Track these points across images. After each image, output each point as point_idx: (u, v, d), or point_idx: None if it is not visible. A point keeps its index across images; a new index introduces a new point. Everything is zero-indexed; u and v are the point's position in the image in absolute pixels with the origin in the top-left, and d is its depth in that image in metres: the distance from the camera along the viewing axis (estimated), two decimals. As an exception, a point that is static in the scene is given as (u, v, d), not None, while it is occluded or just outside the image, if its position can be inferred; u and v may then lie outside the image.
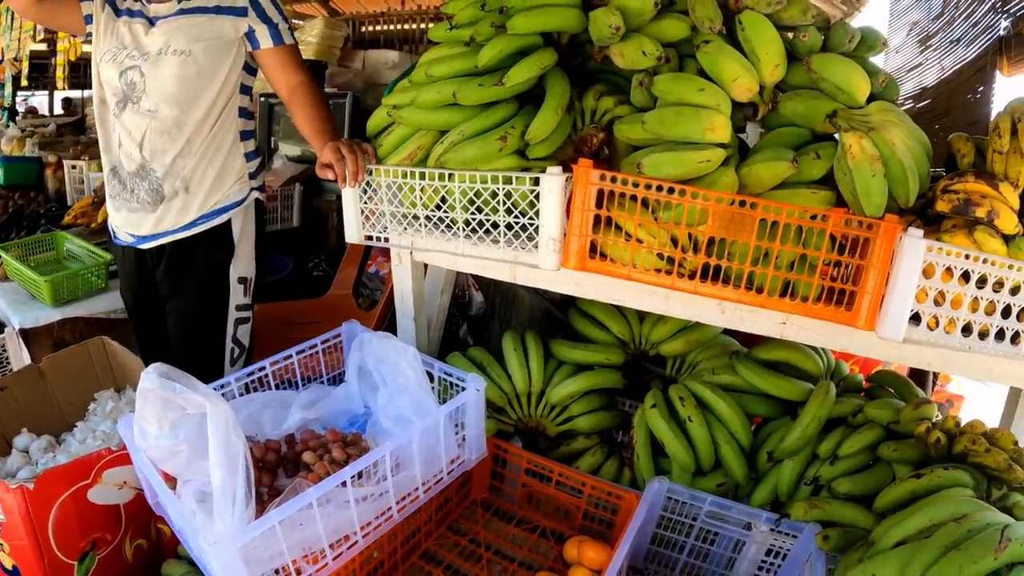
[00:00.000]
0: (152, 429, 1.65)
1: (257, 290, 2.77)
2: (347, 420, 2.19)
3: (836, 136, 1.81)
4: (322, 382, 2.36)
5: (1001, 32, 3.89)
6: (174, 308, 2.67)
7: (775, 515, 2.05)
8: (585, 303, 2.58)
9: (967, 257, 1.66)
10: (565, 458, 2.46)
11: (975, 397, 4.67)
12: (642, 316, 2.54)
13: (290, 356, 2.24)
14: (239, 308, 2.67)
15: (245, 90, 2.57)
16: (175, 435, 1.64)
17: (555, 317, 2.62)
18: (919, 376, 3.44)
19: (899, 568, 1.55)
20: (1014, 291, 1.71)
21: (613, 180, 1.77)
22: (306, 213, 4.22)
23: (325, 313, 3.29)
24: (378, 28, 6.32)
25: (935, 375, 4.34)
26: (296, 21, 6.41)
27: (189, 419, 1.64)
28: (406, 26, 6.19)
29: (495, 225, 1.99)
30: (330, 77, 4.94)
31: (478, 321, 3.20)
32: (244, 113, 2.59)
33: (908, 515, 1.67)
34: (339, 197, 2.24)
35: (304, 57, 4.88)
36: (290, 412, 2.12)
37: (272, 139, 4.64)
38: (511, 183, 1.91)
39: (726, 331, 2.54)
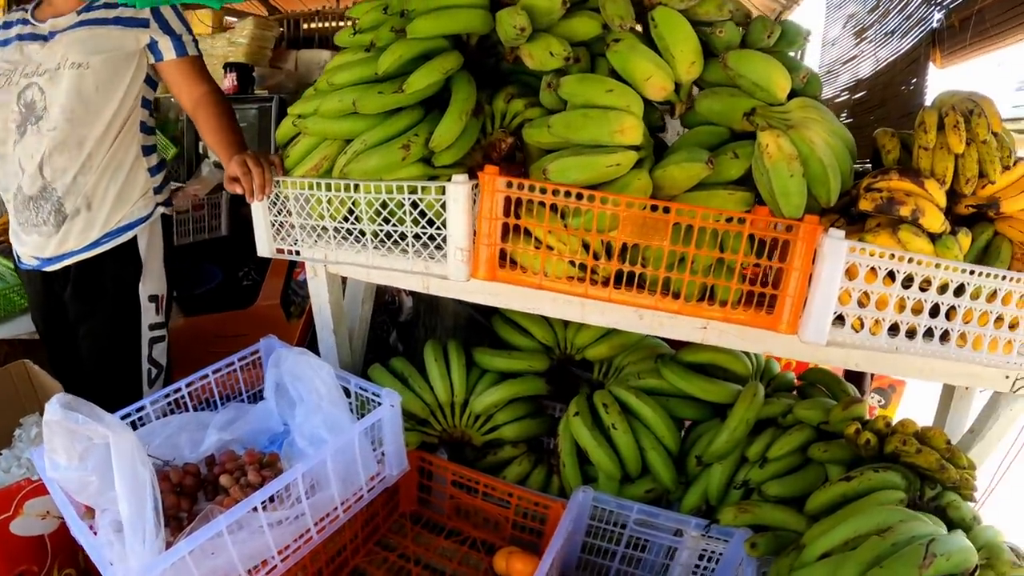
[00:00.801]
0: (62, 460, 1.62)
1: (186, 302, 2.71)
2: (267, 439, 2.15)
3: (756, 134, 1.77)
4: (242, 400, 2.32)
5: (934, 24, 3.94)
6: (86, 332, 2.59)
7: (704, 521, 2.04)
8: (509, 310, 2.53)
9: (891, 257, 1.63)
10: (493, 467, 2.43)
11: (916, 382, 4.70)
12: (566, 321, 2.50)
13: (207, 376, 2.21)
14: (152, 327, 2.60)
15: (147, 104, 2.50)
16: (84, 466, 1.60)
17: (479, 323, 2.58)
18: (857, 366, 3.44)
19: (823, 579, 1.54)
20: (942, 289, 1.69)
21: (520, 187, 1.71)
22: (235, 221, 4.12)
23: (253, 324, 3.22)
24: (313, 26, 6.22)
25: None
26: (230, 19, 6.29)
27: (96, 449, 1.59)
28: (341, 24, 6.09)
29: (403, 236, 1.93)
30: (260, 79, 4.83)
31: (407, 327, 3.15)
32: (145, 128, 2.52)
33: (834, 523, 1.66)
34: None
35: (234, 60, 4.82)
36: (207, 434, 2.08)
37: (200, 144, 4.54)
38: (417, 192, 1.85)
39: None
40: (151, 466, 1.58)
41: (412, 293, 3.21)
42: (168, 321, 2.69)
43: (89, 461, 1.59)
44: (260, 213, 2.16)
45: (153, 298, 2.58)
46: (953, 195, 1.83)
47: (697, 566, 2.11)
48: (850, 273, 1.63)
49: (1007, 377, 1.88)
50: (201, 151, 4.53)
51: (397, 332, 3.13)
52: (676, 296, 1.72)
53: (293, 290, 3.57)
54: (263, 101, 4.26)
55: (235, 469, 1.89)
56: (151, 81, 2.48)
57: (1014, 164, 1.82)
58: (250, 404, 2.28)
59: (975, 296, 1.72)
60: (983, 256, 1.84)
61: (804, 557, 1.65)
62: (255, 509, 1.63)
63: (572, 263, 1.76)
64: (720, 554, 2.05)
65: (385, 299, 3.15)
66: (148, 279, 2.55)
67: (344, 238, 2.08)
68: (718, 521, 2.02)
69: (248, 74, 4.68)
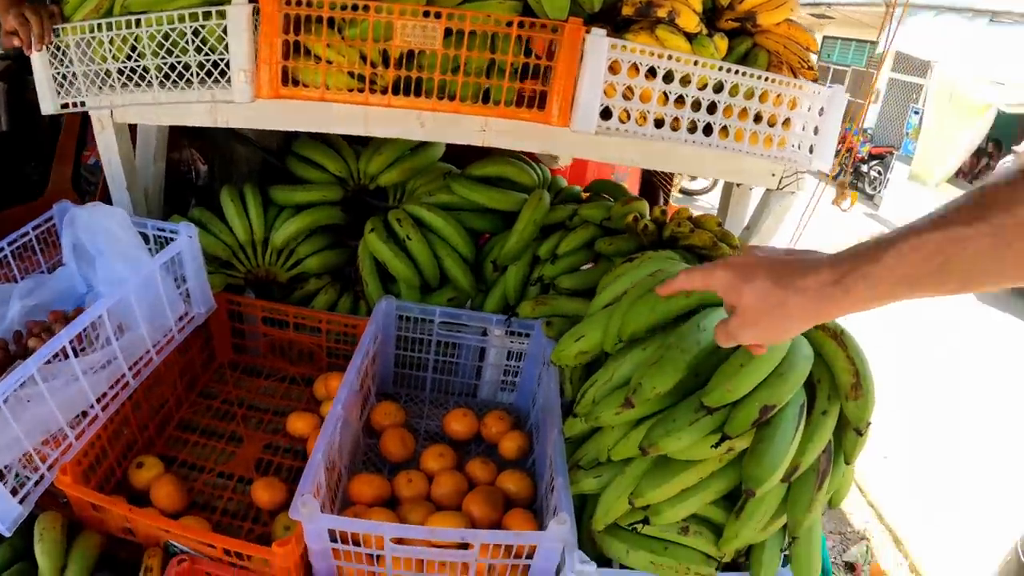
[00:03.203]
0: None
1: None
2: (72, 303, 2.09)
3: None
4: (43, 273, 2.25)
5: None
6: None
7: (504, 316, 2.19)
8: (301, 147, 2.58)
9: (651, 54, 1.81)
10: (300, 302, 2.52)
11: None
12: (358, 152, 2.59)
13: (2, 249, 2.12)
14: None
15: None
16: None
17: (273, 167, 2.61)
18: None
19: (603, 322, 1.71)
20: (703, 87, 1.89)
21: (298, 4, 1.77)
22: (15, 114, 3.90)
23: (47, 216, 3.13)
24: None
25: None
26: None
27: None
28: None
29: (187, 67, 1.95)
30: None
31: (204, 191, 3.12)
32: None
33: (613, 282, 1.84)
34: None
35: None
36: (9, 305, 2.00)
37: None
38: (199, 20, 1.87)
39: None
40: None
41: (206, 158, 3.18)
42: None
43: None
44: (41, 66, 2.11)
45: None
46: (716, 12, 2.03)
47: (507, 365, 2.27)
48: (613, 69, 1.80)
49: (773, 175, 2.13)
50: (-38, 49, 4.26)
51: (196, 199, 3.09)
52: (453, 99, 1.84)
53: (84, 177, 3.45)
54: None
55: (42, 331, 1.84)
56: None
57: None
58: (50, 275, 2.20)
59: (734, 94, 1.92)
60: (743, 62, 2.04)
61: (588, 312, 1.84)
62: (65, 355, 1.60)
63: (351, 75, 1.85)
64: (525, 351, 2.21)
65: (181, 170, 3.11)
66: None
67: (128, 79, 2.07)
68: (517, 314, 2.19)
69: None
